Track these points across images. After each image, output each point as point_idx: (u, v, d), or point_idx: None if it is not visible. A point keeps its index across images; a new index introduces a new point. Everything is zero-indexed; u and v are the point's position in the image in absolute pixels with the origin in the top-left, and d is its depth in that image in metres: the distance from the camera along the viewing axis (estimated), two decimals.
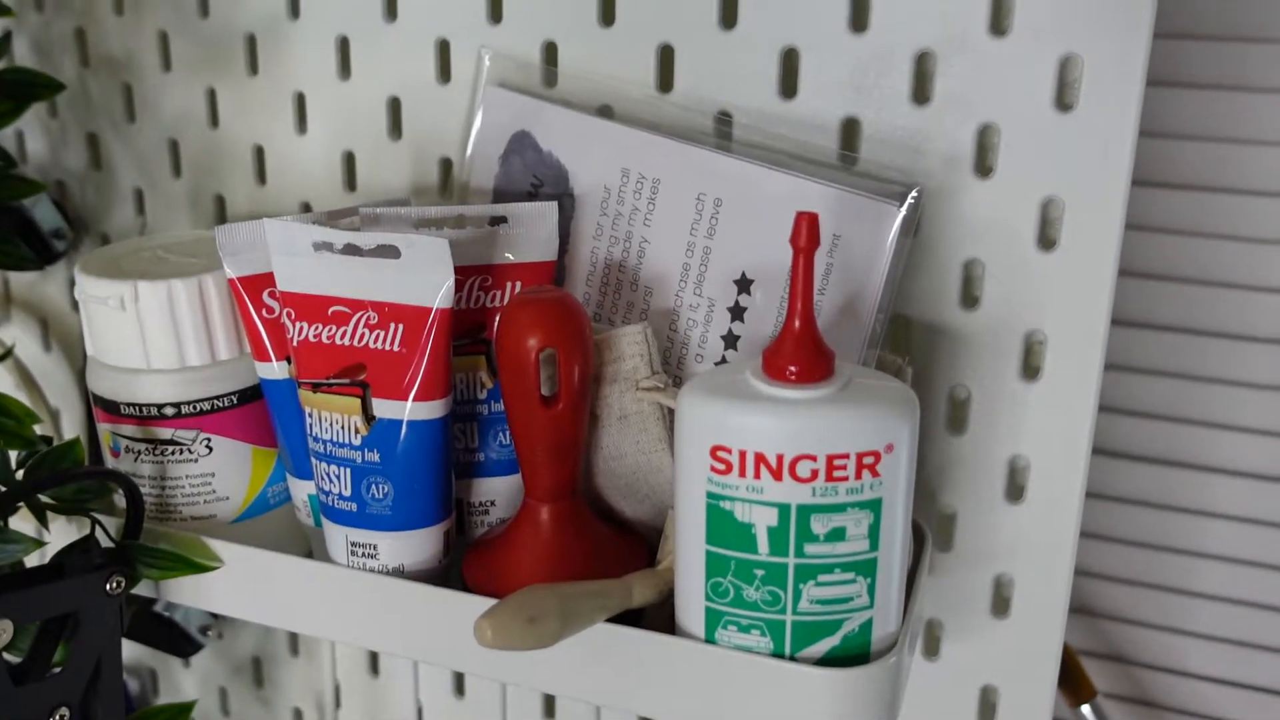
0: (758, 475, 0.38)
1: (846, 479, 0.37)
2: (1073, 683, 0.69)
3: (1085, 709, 0.68)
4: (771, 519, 0.38)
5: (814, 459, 0.37)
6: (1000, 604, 0.50)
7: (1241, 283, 0.67)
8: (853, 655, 0.40)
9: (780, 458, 0.37)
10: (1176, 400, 0.72)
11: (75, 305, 0.65)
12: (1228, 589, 0.73)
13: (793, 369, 0.38)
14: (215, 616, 0.64)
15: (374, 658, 0.64)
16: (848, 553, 0.39)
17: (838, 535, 0.38)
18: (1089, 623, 0.78)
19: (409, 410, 0.44)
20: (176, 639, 0.63)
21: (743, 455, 0.38)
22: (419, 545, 0.45)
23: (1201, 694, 0.76)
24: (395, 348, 0.43)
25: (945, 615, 0.51)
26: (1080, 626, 0.78)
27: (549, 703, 0.61)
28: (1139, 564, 0.76)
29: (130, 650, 0.69)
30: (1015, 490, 0.49)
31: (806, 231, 0.37)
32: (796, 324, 0.38)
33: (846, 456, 0.37)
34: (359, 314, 0.44)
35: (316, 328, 0.44)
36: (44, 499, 0.46)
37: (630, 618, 0.43)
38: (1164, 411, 0.72)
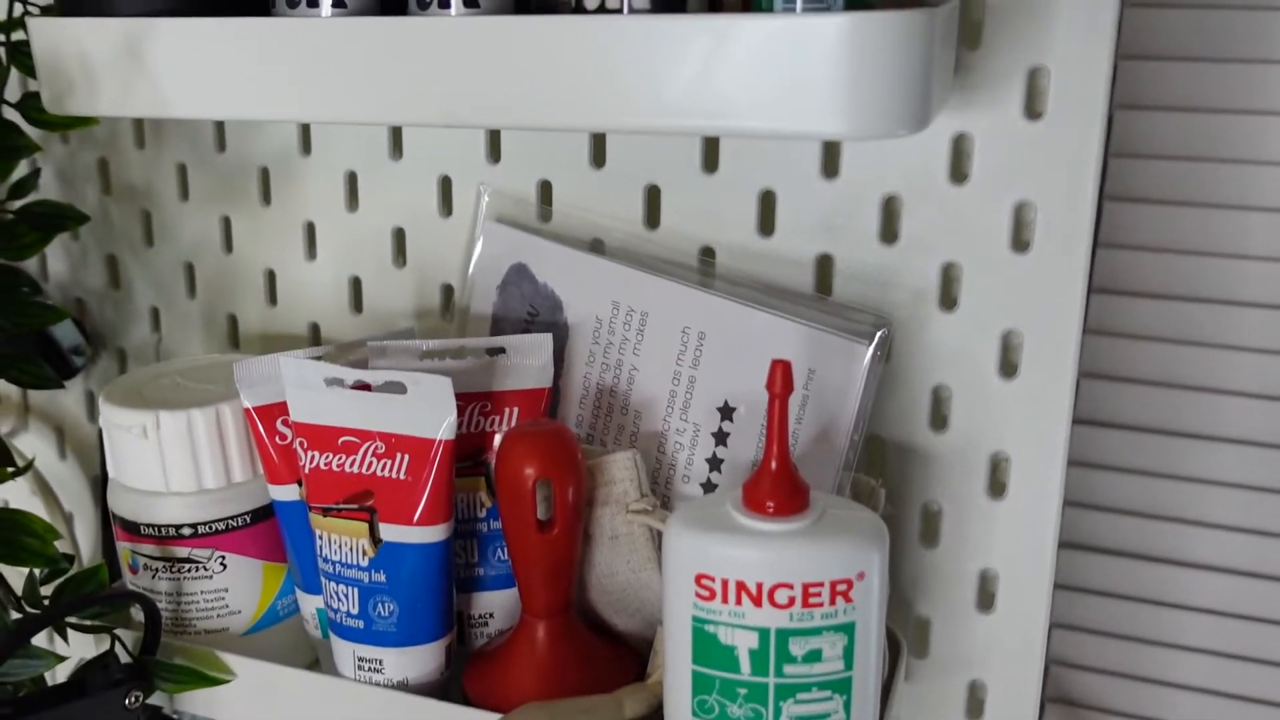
0: (739, 602, 0.40)
1: (821, 605, 0.40)
2: None
3: None
4: (753, 642, 0.41)
5: (791, 587, 0.40)
6: (975, 708, 0.53)
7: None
8: None
9: (760, 586, 0.40)
10: (1147, 496, 0.75)
11: (91, 415, 0.68)
12: (1210, 675, 0.76)
13: (770, 504, 0.41)
14: None
15: None
16: (824, 673, 0.41)
17: (814, 657, 0.41)
18: (1070, 713, 0.80)
19: (414, 534, 0.47)
20: None
21: (725, 583, 0.40)
22: (422, 659, 0.48)
23: None
24: (402, 476, 0.46)
25: None
26: (1057, 715, 0.80)
27: None
28: (1115, 653, 0.78)
29: None
30: (986, 599, 0.52)
31: (781, 379, 0.40)
32: (773, 464, 0.41)
33: (821, 585, 0.40)
34: (367, 444, 0.47)
35: (327, 456, 0.47)
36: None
37: None
38: (1135, 508, 0.75)
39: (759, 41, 0.37)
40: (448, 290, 0.57)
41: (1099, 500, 0.76)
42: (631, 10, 0.39)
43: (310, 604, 0.52)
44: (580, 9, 0.40)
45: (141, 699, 0.48)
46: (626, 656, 0.49)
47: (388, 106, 0.43)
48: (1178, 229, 0.66)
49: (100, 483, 0.59)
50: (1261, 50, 0.59)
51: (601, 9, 0.40)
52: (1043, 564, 0.50)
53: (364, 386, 0.47)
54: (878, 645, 0.42)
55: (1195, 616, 0.76)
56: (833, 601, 0.40)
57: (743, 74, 0.38)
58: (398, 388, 0.46)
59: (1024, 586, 0.51)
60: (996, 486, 0.50)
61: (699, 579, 0.41)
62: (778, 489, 0.41)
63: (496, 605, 0.51)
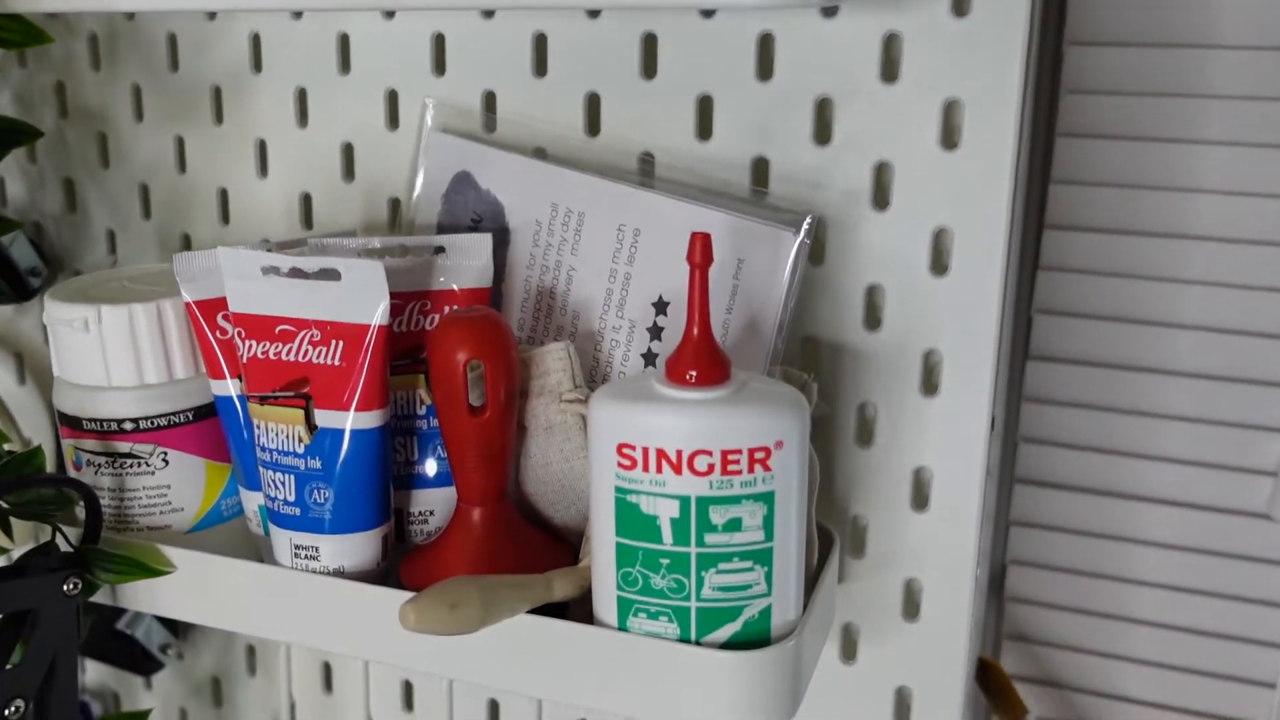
0: (659, 470, 0.41)
1: (740, 473, 0.41)
2: (1005, 703, 0.72)
3: None
4: (674, 511, 0.42)
5: (710, 454, 0.41)
6: (911, 608, 0.54)
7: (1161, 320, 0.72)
8: (754, 640, 0.43)
9: (679, 453, 0.41)
10: (1102, 431, 0.76)
11: (46, 336, 0.68)
12: (1161, 615, 0.76)
13: (692, 373, 0.41)
14: (175, 634, 0.67)
15: (327, 674, 0.66)
16: (745, 542, 0.42)
17: (735, 526, 0.42)
18: (1023, 649, 0.81)
19: (349, 420, 0.47)
20: (137, 657, 0.65)
21: (645, 451, 0.41)
22: (358, 548, 0.49)
23: (1133, 715, 0.79)
24: (336, 362, 0.47)
25: (860, 619, 0.54)
26: (1015, 651, 0.81)
27: (494, 710, 0.64)
28: (1073, 589, 0.79)
29: (93, 672, 0.72)
30: (920, 499, 0.52)
31: (700, 249, 0.41)
32: (695, 332, 0.41)
33: (740, 452, 0.41)
34: (303, 332, 0.47)
35: (264, 345, 0.48)
36: (6, 505, 0.49)
37: (555, 613, 0.46)
38: (1090, 442, 0.76)
39: None
40: (395, 203, 0.58)
41: (1055, 437, 0.77)
42: None
43: (253, 501, 0.52)
44: None
45: (80, 586, 0.48)
46: (562, 548, 0.49)
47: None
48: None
49: None
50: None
51: None
52: (975, 460, 0.51)
53: (300, 275, 0.47)
54: (799, 519, 0.43)
55: (1148, 550, 0.77)
56: (751, 470, 0.41)
57: None
58: (332, 274, 0.47)
59: (957, 483, 0.51)
60: (929, 384, 0.51)
61: (620, 448, 0.42)
62: (698, 359, 0.41)
63: (436, 502, 0.52)
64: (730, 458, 0.41)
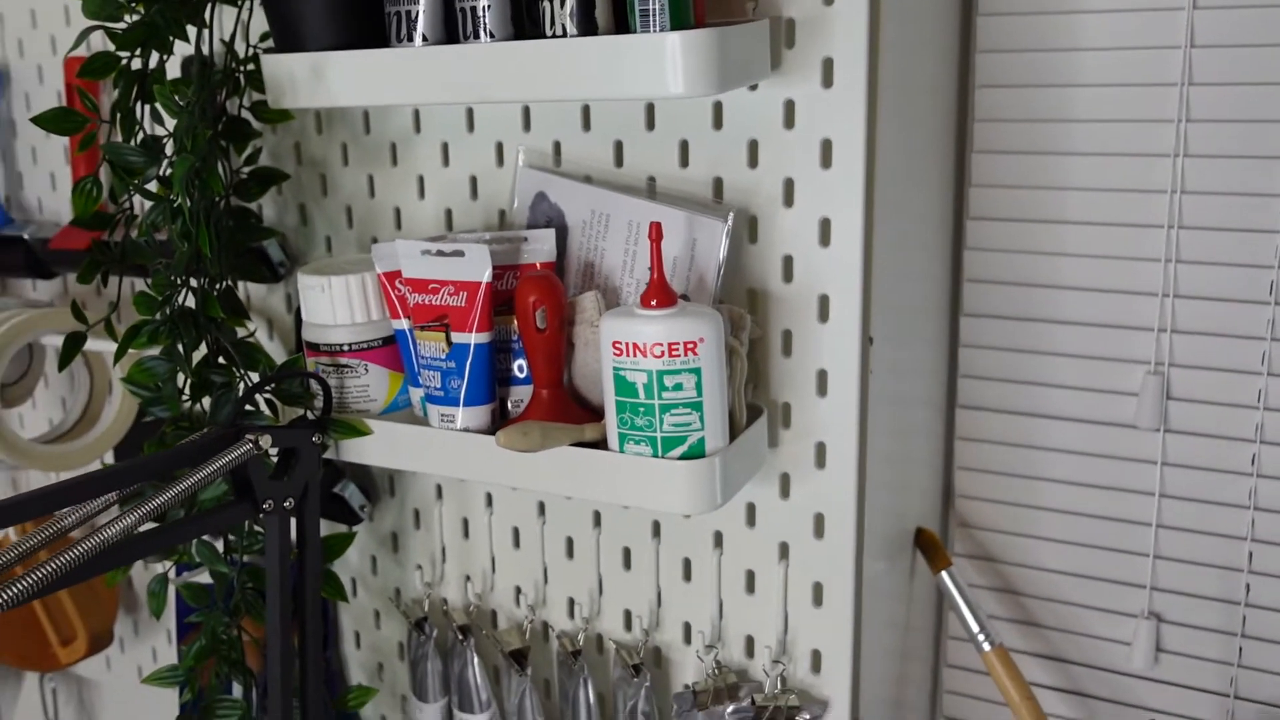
0: (635, 355, 0.73)
1: (680, 356, 0.73)
2: (935, 556, 1.00)
3: (943, 574, 0.98)
4: (644, 379, 0.74)
5: (662, 345, 0.73)
6: (820, 460, 0.84)
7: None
8: (695, 456, 0.75)
9: (646, 345, 0.73)
10: (1017, 368, 1.03)
11: (289, 308, 1.05)
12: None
13: (653, 301, 0.74)
14: (369, 499, 1.02)
15: (466, 526, 1.01)
16: (685, 398, 0.74)
17: (679, 387, 0.74)
18: (966, 533, 1.08)
19: (472, 338, 0.81)
20: (345, 513, 1.01)
21: (628, 345, 0.73)
22: (478, 416, 0.82)
23: (1045, 550, 1.05)
24: (462, 304, 0.81)
25: (790, 469, 0.85)
26: (961, 535, 1.09)
27: (595, 520, 0.97)
28: (1003, 487, 1.06)
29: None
30: (823, 389, 0.83)
31: (654, 231, 0.73)
32: (655, 276, 0.74)
33: (679, 344, 0.73)
34: (444, 287, 0.81)
35: (422, 296, 0.82)
36: (277, 398, 0.85)
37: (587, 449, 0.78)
38: (1010, 376, 1.04)
39: (632, 47, 0.71)
40: (502, 213, 0.92)
41: (986, 373, 1.04)
42: (565, 34, 0.73)
43: (416, 395, 0.87)
44: (543, 35, 0.74)
45: (322, 439, 0.84)
46: (593, 415, 0.82)
47: (456, 94, 0.78)
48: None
49: (297, 329, 0.95)
50: None
51: (561, 34, 0.74)
52: (853, 362, 0.81)
53: (442, 255, 0.82)
54: (720, 386, 0.74)
55: (1053, 455, 1.03)
56: (686, 354, 0.73)
57: (625, 65, 0.71)
58: (460, 254, 0.81)
59: (844, 378, 0.81)
60: (824, 315, 0.82)
61: (614, 344, 0.74)
62: (656, 293, 0.74)
63: (522, 394, 0.85)
64: (674, 347, 0.73)
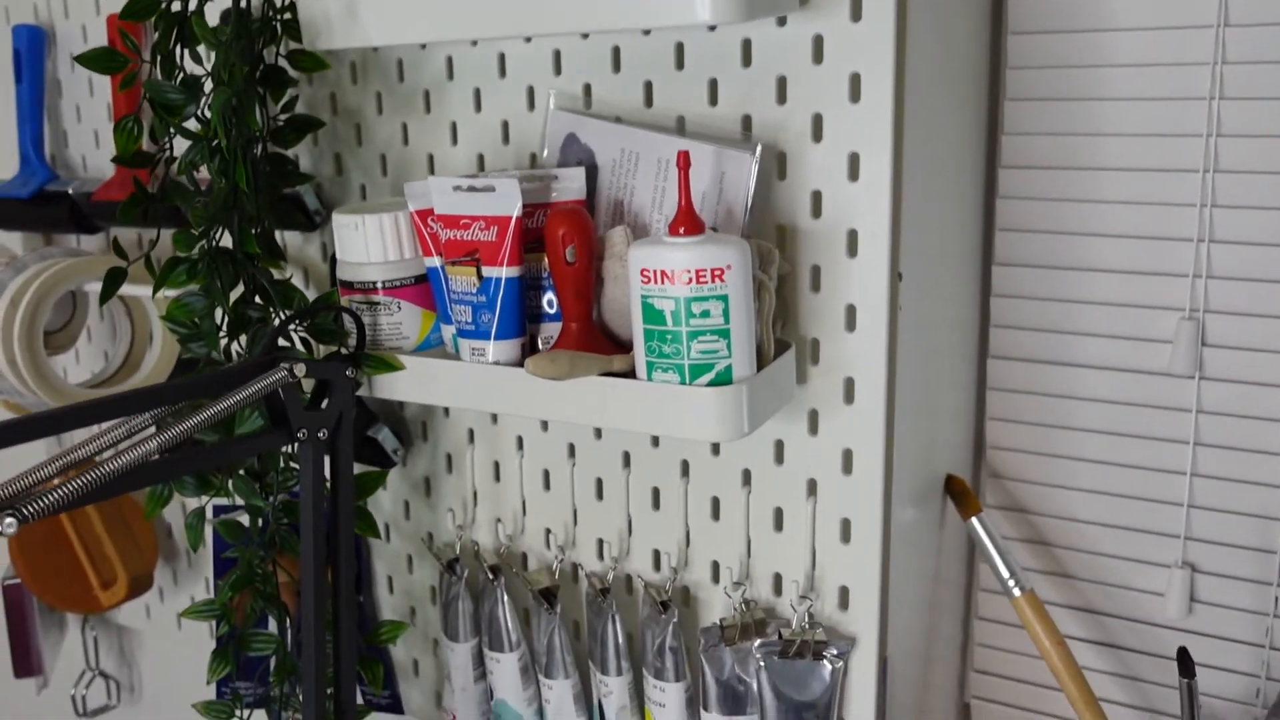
0: (663, 282, 0.74)
1: (707, 283, 0.73)
2: (965, 503, 0.99)
3: (973, 520, 0.98)
4: (672, 306, 0.74)
5: (689, 272, 0.73)
6: (849, 396, 0.84)
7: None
8: (722, 383, 0.75)
9: (674, 272, 0.74)
10: (1051, 317, 1.03)
11: (324, 257, 1.07)
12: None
13: (681, 229, 0.74)
14: (402, 443, 1.04)
15: (497, 469, 1.02)
16: (712, 325, 0.74)
17: (706, 315, 0.74)
18: (998, 484, 1.08)
19: (503, 272, 0.82)
20: (379, 456, 1.03)
21: (656, 272, 0.74)
22: (508, 349, 0.83)
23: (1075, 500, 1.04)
24: (493, 238, 0.82)
25: (818, 406, 0.85)
26: (992, 486, 1.08)
27: (625, 459, 0.98)
28: (1037, 437, 1.05)
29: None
30: (851, 324, 0.83)
31: (682, 159, 0.74)
32: (682, 204, 0.74)
33: (705, 270, 0.73)
34: (475, 222, 0.83)
35: (454, 231, 0.83)
36: (310, 335, 0.87)
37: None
38: (1043, 325, 1.03)
39: None
40: (533, 155, 0.93)
41: (1017, 323, 1.04)
42: None
43: (447, 332, 0.88)
44: None
45: (355, 373, 0.85)
46: (622, 348, 0.82)
47: (485, 29, 0.79)
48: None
49: (332, 276, 0.97)
50: None
51: None
52: (882, 297, 0.81)
53: (473, 190, 0.83)
54: (747, 314, 0.75)
55: (1087, 405, 1.03)
56: (713, 281, 0.73)
57: None
58: (490, 189, 0.82)
59: (873, 312, 0.82)
60: (852, 249, 0.82)
61: (643, 272, 0.75)
62: (683, 221, 0.74)
63: (552, 330, 0.86)
64: (701, 274, 0.73)
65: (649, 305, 0.75)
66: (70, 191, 1.17)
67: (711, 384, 0.75)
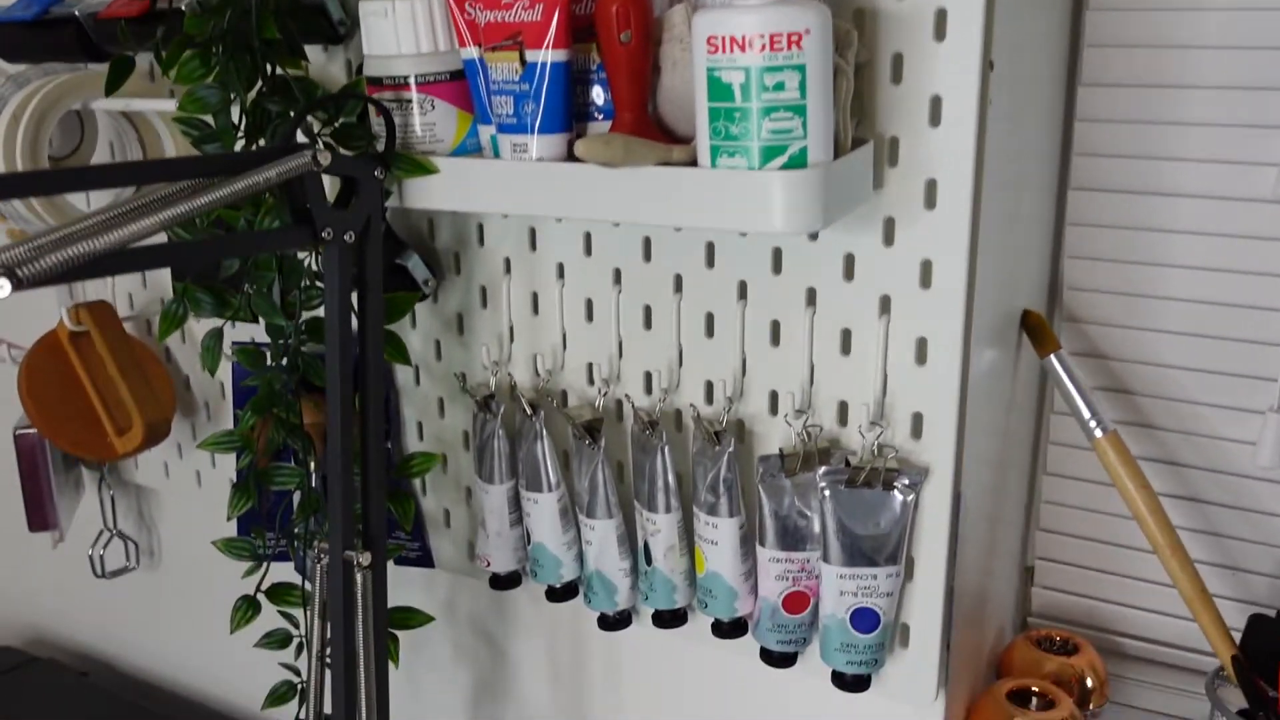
0: (732, 51, 0.66)
1: (783, 50, 0.65)
2: (1041, 338, 0.92)
3: (1051, 358, 0.90)
4: (741, 79, 0.66)
5: (763, 37, 0.65)
6: (930, 200, 0.76)
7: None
8: (796, 167, 0.67)
9: (745, 38, 0.65)
10: (1140, 141, 0.94)
11: (348, 76, 0.98)
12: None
13: None
14: (433, 274, 0.96)
15: (535, 301, 0.94)
16: (787, 100, 0.66)
17: (780, 87, 0.66)
18: (1075, 328, 1.00)
19: (549, 55, 0.74)
20: (409, 287, 0.95)
21: (724, 39, 0.66)
22: (553, 145, 0.75)
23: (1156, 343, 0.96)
24: (538, 18, 0.74)
25: (895, 212, 0.77)
26: (1069, 330, 1.00)
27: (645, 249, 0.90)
28: (1117, 275, 0.97)
29: None
30: (935, 118, 0.74)
31: None
32: None
33: (781, 35, 0.65)
34: (518, 1, 0.74)
35: (494, 13, 0.75)
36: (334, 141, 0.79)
37: None
38: (1130, 152, 0.94)
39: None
40: None
41: (1101, 150, 0.95)
42: None
43: (485, 134, 0.80)
44: None
45: (384, 172, 0.77)
46: (681, 145, 0.74)
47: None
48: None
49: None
50: None
51: None
52: (972, 85, 0.72)
53: None
54: (824, 88, 0.67)
55: (1178, 237, 0.94)
56: (789, 48, 0.65)
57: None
58: None
59: (962, 105, 0.73)
60: (940, 32, 0.73)
61: (709, 40, 0.66)
62: None
63: (602, 130, 0.78)
64: (776, 39, 0.65)
65: (715, 80, 0.67)
66: (77, 13, 1.09)
67: (784, 168, 0.67)
